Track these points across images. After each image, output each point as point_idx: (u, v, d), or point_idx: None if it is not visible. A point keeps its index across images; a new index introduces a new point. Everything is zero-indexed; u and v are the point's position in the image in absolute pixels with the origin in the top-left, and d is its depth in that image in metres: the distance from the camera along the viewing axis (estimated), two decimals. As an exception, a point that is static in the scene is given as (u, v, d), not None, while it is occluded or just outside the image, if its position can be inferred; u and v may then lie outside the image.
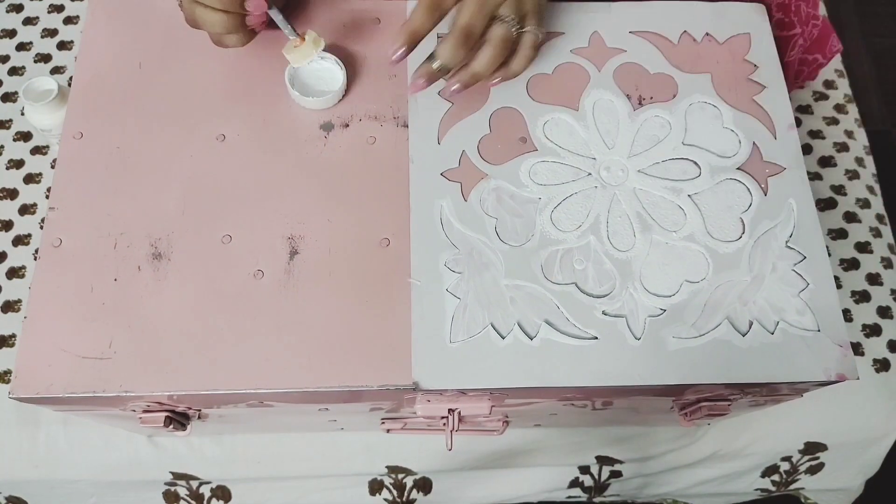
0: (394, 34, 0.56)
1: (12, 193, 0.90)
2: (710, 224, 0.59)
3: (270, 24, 0.61)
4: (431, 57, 0.57)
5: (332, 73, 0.64)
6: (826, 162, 0.98)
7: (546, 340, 0.55)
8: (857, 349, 0.86)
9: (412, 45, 0.56)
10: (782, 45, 0.80)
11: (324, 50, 0.61)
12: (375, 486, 0.87)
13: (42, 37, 1.01)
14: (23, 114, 0.94)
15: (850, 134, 1.01)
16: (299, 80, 0.63)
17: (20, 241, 0.88)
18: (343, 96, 0.63)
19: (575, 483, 0.89)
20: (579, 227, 0.58)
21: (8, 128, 0.94)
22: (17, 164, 0.92)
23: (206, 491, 0.86)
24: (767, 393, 0.60)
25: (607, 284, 0.57)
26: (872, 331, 0.88)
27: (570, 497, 0.92)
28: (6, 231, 0.88)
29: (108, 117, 0.62)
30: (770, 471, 0.90)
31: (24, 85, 0.83)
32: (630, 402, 0.64)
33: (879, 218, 0.96)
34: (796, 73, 0.90)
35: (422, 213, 0.58)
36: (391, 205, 0.59)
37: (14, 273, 0.86)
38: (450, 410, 0.61)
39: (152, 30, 0.66)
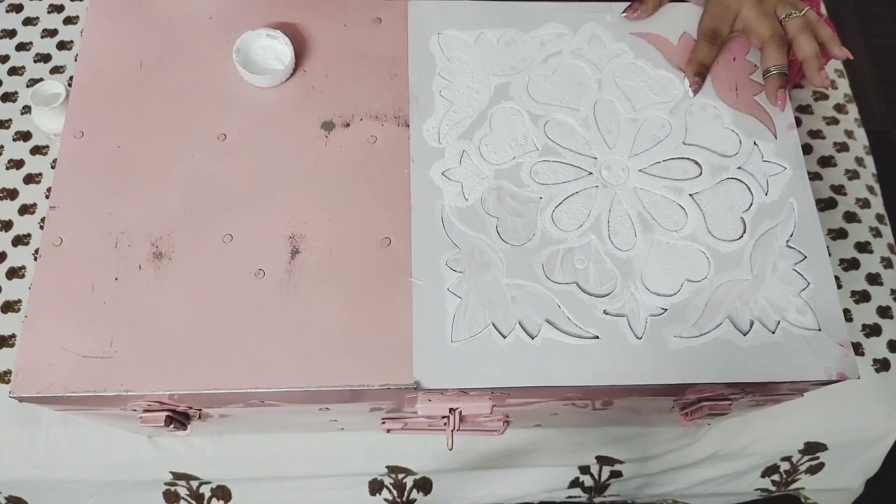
0: (686, 68, 0.65)
1: (12, 193, 0.90)
2: (710, 223, 0.59)
3: None
4: (769, 70, 0.64)
5: (280, 51, 0.64)
6: (826, 162, 0.98)
7: (547, 340, 0.55)
8: (857, 349, 0.86)
9: (703, 75, 0.64)
10: None
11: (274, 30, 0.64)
12: (375, 486, 0.87)
13: (42, 37, 1.01)
14: (23, 114, 0.94)
15: (849, 134, 1.01)
16: (248, 59, 0.64)
17: (20, 241, 0.88)
18: (292, 73, 0.64)
19: (575, 483, 0.89)
20: (580, 226, 0.58)
21: (8, 128, 0.94)
22: (17, 164, 0.92)
23: (206, 491, 0.86)
24: (768, 392, 0.60)
25: (608, 284, 0.57)
26: (872, 331, 0.88)
27: (570, 497, 0.92)
28: (6, 231, 0.88)
29: (108, 117, 0.62)
30: (770, 471, 0.90)
31: (32, 89, 0.83)
32: (631, 401, 0.64)
33: (879, 218, 0.96)
34: (799, 72, 0.89)
35: (423, 213, 0.58)
36: (392, 204, 0.59)
37: (14, 273, 0.86)
38: (451, 410, 0.60)
39: (152, 30, 0.66)
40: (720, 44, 0.65)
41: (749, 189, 0.60)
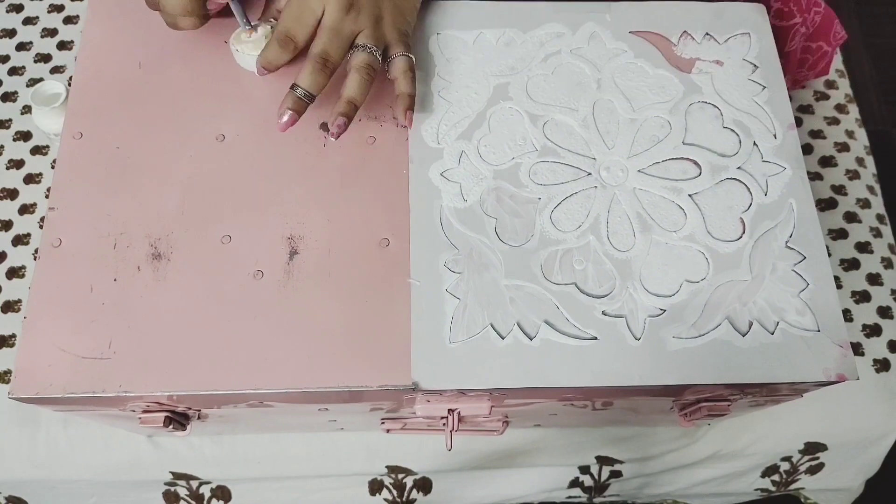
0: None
1: (12, 193, 0.90)
2: (710, 224, 0.59)
3: (225, 11, 0.62)
4: (294, 87, 0.56)
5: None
6: (826, 162, 0.98)
7: (546, 341, 0.55)
8: (857, 349, 0.86)
9: (270, 72, 0.59)
10: (782, 35, 0.79)
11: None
12: (375, 486, 0.87)
13: (42, 37, 1.01)
14: (23, 114, 0.95)
15: (850, 134, 1.01)
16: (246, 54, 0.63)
17: (20, 241, 0.88)
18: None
19: (575, 483, 0.89)
20: (579, 227, 0.58)
21: (8, 128, 0.94)
22: (17, 164, 0.92)
23: (206, 491, 0.86)
24: (767, 393, 0.60)
25: (607, 284, 0.57)
26: (872, 331, 0.88)
27: (570, 497, 0.92)
28: (6, 231, 0.88)
29: (107, 117, 0.62)
30: (770, 471, 0.90)
31: (33, 89, 0.84)
32: (630, 402, 0.64)
33: (880, 218, 0.96)
34: (800, 62, 0.89)
35: (421, 214, 0.58)
36: (391, 205, 0.59)
37: (14, 273, 0.86)
38: (449, 410, 0.61)
39: (152, 30, 0.66)
40: (292, 51, 0.58)
41: (748, 189, 0.60)
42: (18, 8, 1.03)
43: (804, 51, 0.88)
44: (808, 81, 1.02)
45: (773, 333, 0.56)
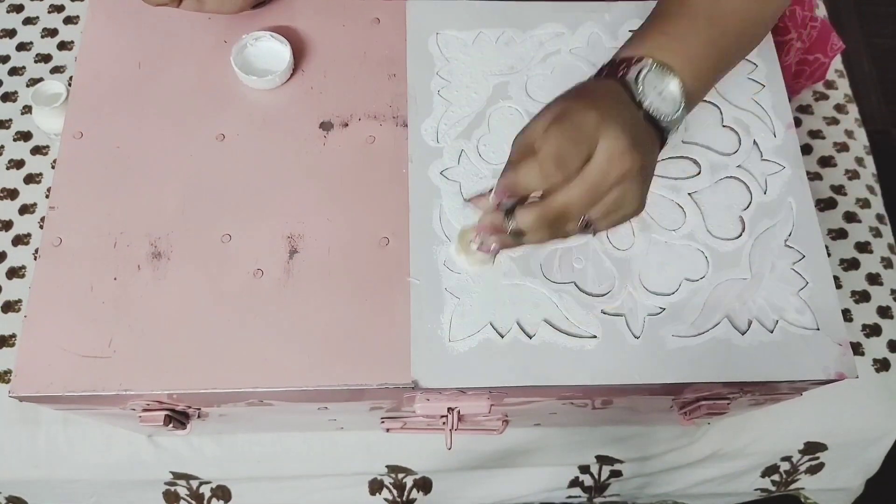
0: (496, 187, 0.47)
1: (12, 193, 0.90)
2: (709, 222, 0.59)
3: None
4: (509, 214, 0.46)
5: (278, 53, 0.64)
6: (826, 162, 0.98)
7: (545, 339, 0.55)
8: (857, 349, 0.86)
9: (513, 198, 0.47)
10: (776, 49, 0.80)
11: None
12: (375, 486, 0.87)
13: (42, 37, 1.01)
14: (23, 114, 0.95)
15: (850, 134, 1.01)
16: (246, 61, 0.64)
17: (20, 240, 0.88)
18: (291, 75, 0.64)
19: (575, 483, 0.89)
20: (579, 226, 0.58)
21: (8, 128, 0.94)
22: (17, 164, 0.92)
23: (206, 491, 0.86)
24: (767, 392, 0.60)
25: (606, 283, 0.57)
26: (872, 331, 0.88)
27: (570, 497, 0.92)
28: (6, 231, 0.88)
29: (108, 117, 0.62)
30: (770, 471, 0.90)
31: (33, 89, 0.84)
32: (630, 401, 0.64)
33: (879, 218, 0.96)
34: (797, 73, 0.89)
35: (421, 213, 0.58)
36: (390, 204, 0.59)
37: (14, 273, 0.86)
38: (449, 409, 0.60)
39: (152, 30, 0.66)
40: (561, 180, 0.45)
41: (748, 188, 0.60)
42: (18, 8, 1.03)
43: (801, 63, 0.88)
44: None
45: (772, 332, 0.56)
